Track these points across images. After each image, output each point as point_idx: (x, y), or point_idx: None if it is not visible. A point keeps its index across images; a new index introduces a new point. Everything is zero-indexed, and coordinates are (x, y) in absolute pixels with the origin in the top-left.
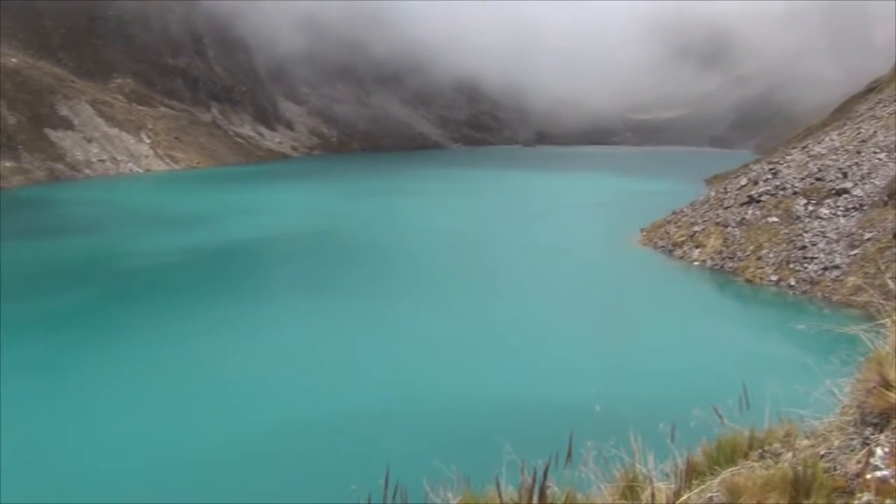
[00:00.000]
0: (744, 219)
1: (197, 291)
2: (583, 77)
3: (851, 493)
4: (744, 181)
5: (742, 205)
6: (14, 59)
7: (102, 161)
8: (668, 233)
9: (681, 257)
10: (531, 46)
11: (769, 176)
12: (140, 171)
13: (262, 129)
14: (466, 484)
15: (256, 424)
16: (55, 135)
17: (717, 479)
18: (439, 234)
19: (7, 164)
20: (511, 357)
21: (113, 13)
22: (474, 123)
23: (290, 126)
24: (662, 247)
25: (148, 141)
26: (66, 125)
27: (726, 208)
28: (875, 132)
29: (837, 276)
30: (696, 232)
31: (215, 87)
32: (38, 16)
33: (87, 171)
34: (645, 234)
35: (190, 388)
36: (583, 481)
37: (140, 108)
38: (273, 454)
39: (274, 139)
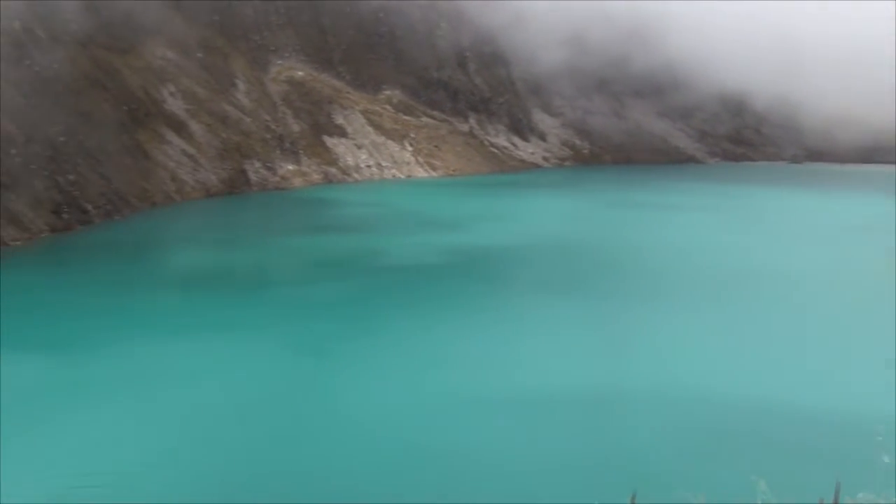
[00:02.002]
0: None
1: (451, 289)
2: (861, 90)
3: None
4: None
5: None
6: (301, 73)
7: (370, 166)
8: None
9: None
10: (802, 58)
11: None
12: (402, 176)
13: (516, 140)
14: None
15: (506, 425)
16: (331, 141)
17: None
18: (698, 248)
19: (290, 167)
20: (785, 381)
21: (386, 30)
22: (735, 138)
23: (542, 137)
24: None
25: (410, 149)
26: (341, 133)
27: None
28: None
29: None
30: None
31: (474, 98)
32: (323, 33)
33: (356, 175)
34: None
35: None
36: None
37: (405, 118)
38: (524, 454)
39: (527, 149)
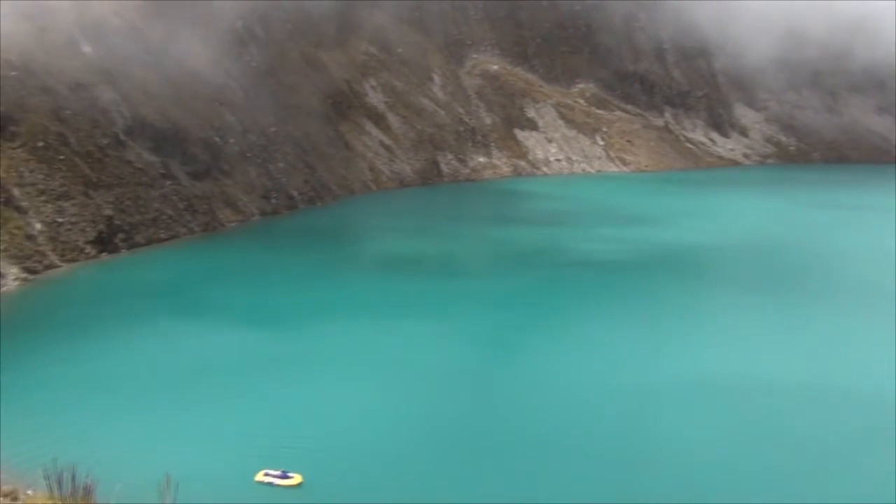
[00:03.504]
0: None
1: (641, 286)
2: None
3: None
4: None
5: None
6: (495, 66)
7: (559, 160)
8: None
9: None
10: None
11: None
12: (592, 171)
13: (714, 135)
14: None
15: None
16: (521, 134)
17: None
18: None
19: (481, 160)
20: None
21: (582, 22)
22: None
23: (744, 133)
24: None
25: (602, 143)
26: (532, 126)
27: None
28: None
29: None
30: None
31: (671, 91)
32: (518, 27)
33: (545, 168)
34: None
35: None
36: None
37: (598, 111)
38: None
39: (725, 146)
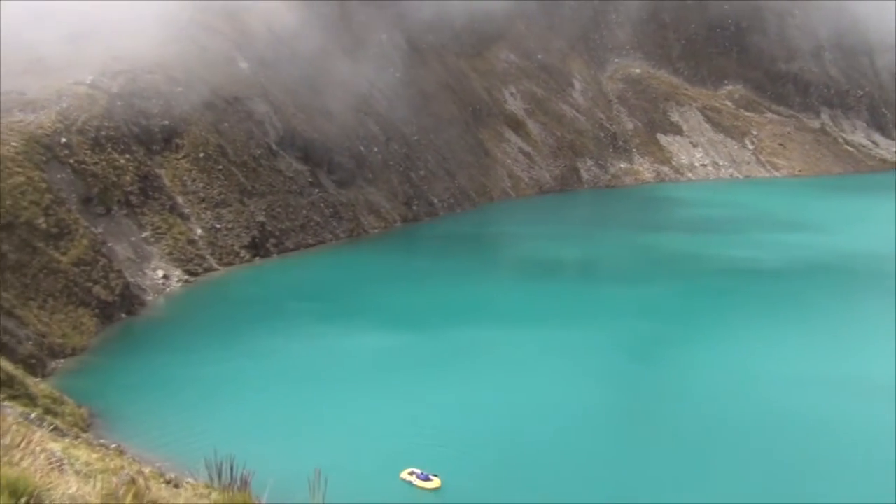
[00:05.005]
0: None
1: (798, 295)
2: None
3: None
4: None
5: None
6: (637, 70)
7: (705, 165)
8: None
9: None
10: None
11: None
12: (739, 176)
13: (877, 137)
14: None
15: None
16: (665, 139)
17: None
18: None
19: (622, 165)
20: None
21: (732, 22)
22: None
23: None
24: None
25: (751, 147)
26: (676, 130)
27: None
28: None
29: None
30: None
31: (828, 91)
32: (662, 28)
33: (690, 174)
34: None
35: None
36: None
37: (747, 114)
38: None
39: (889, 148)
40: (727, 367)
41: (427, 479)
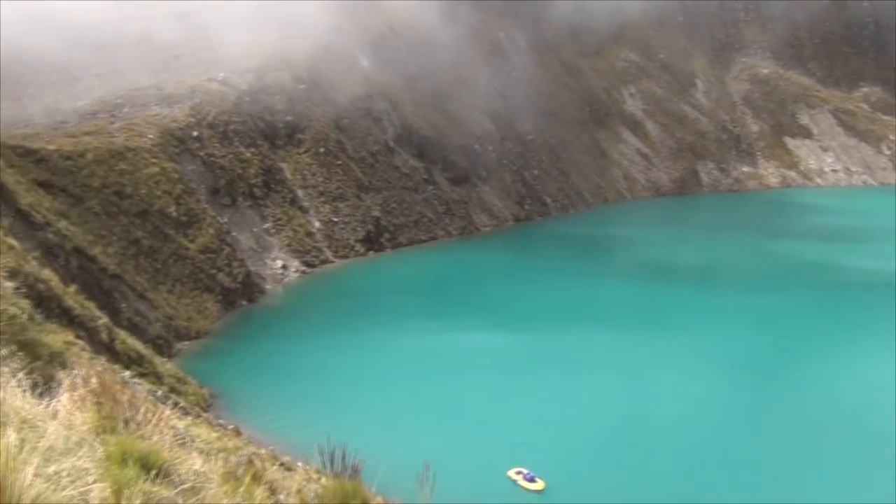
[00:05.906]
0: None
1: None
2: None
3: None
4: None
5: None
6: (766, 70)
7: (835, 171)
8: None
9: None
10: None
11: None
12: (874, 183)
13: None
14: None
15: None
16: (792, 143)
17: None
18: None
19: (745, 169)
20: None
21: (870, 20)
22: None
23: None
24: None
25: (888, 152)
26: (805, 134)
27: None
28: None
29: None
30: None
31: None
32: (795, 27)
33: (819, 179)
34: None
35: None
36: None
37: (885, 117)
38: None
39: None
40: (853, 385)
41: (532, 480)
